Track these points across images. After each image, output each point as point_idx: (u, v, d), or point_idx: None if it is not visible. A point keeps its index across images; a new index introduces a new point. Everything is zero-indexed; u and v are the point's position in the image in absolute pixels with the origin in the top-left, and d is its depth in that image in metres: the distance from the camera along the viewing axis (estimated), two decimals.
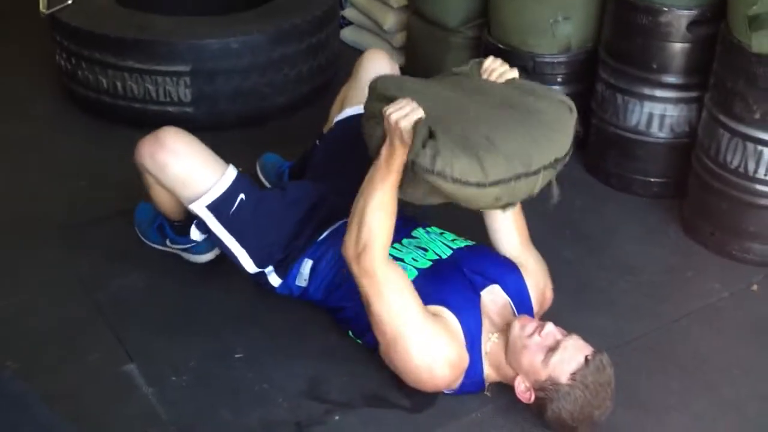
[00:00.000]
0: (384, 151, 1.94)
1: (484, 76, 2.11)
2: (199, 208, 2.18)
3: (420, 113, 1.88)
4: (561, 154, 1.95)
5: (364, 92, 2.45)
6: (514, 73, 2.10)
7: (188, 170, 2.18)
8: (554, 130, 1.96)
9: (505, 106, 1.98)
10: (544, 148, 1.92)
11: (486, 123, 1.91)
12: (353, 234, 1.98)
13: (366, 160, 2.08)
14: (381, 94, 2.03)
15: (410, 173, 1.92)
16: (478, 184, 1.84)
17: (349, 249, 1.99)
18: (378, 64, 2.54)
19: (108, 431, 1.99)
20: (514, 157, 1.86)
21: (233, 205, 2.18)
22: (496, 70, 2.10)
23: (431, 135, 1.85)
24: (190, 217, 2.35)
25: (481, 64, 2.13)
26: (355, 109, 2.48)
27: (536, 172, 1.90)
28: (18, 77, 3.52)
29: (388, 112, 1.90)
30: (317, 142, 2.64)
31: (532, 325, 1.99)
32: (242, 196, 2.19)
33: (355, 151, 2.21)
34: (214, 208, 2.18)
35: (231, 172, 2.21)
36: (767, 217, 2.53)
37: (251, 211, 2.21)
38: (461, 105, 1.98)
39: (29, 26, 3.66)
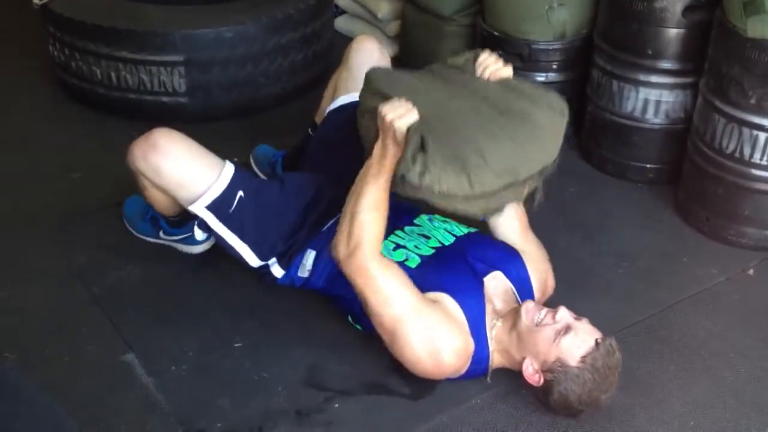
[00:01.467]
0: (376, 149, 1.95)
1: (478, 71, 2.10)
2: (199, 209, 2.16)
3: (414, 116, 1.89)
4: (549, 162, 1.98)
5: (355, 80, 2.46)
6: (509, 72, 2.09)
7: (183, 171, 2.15)
8: (544, 139, 1.98)
9: (498, 112, 1.98)
10: (533, 158, 1.95)
11: (477, 132, 1.92)
12: (344, 234, 1.98)
13: (362, 150, 2.09)
14: (376, 89, 2.03)
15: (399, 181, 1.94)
16: (465, 197, 1.88)
17: (340, 249, 1.99)
18: (368, 50, 2.53)
19: (108, 421, 1.99)
20: (502, 170, 1.89)
21: (233, 204, 2.17)
22: (490, 66, 2.09)
23: (422, 145, 1.86)
24: (186, 212, 2.34)
25: (476, 57, 2.12)
26: (348, 97, 2.48)
27: (523, 182, 1.94)
28: (11, 69, 3.51)
29: (383, 112, 1.90)
30: (309, 131, 2.63)
31: (544, 309, 2.00)
32: (241, 193, 2.17)
33: (350, 140, 2.21)
34: (214, 207, 2.16)
35: (228, 170, 2.18)
36: (763, 202, 2.54)
37: (251, 207, 2.19)
38: (454, 108, 1.98)
39: (22, 17, 3.64)
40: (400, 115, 1.89)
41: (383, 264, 1.99)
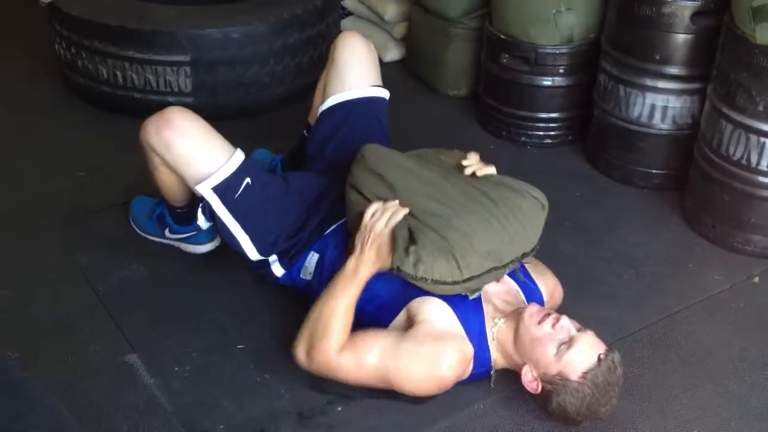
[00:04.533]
0: (350, 263, 2.02)
1: (466, 172, 2.15)
2: (205, 190, 2.16)
3: (400, 215, 2.00)
4: (528, 249, 2.07)
5: (343, 79, 2.46)
6: (492, 170, 2.16)
7: (194, 149, 2.17)
8: (526, 228, 2.07)
9: (488, 197, 2.06)
10: (516, 245, 2.05)
11: (466, 217, 2.01)
12: (306, 333, 2.02)
13: (358, 146, 2.17)
14: (369, 167, 2.12)
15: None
16: (454, 282, 1.98)
17: (300, 348, 2.03)
18: (353, 47, 2.50)
19: (110, 421, 1.99)
20: (488, 255, 2.00)
21: (239, 189, 2.17)
22: (475, 167, 2.15)
23: (411, 237, 1.96)
24: (193, 204, 2.34)
25: (461, 158, 2.18)
26: (338, 97, 2.46)
27: (505, 266, 2.03)
28: (17, 66, 3.51)
29: (368, 225, 2.00)
30: (305, 133, 2.63)
31: (544, 314, 1.98)
32: (248, 180, 2.18)
33: (345, 140, 2.21)
34: (220, 190, 2.16)
35: (239, 156, 2.19)
36: None
37: (256, 197, 2.20)
38: (446, 189, 2.07)
39: (28, 15, 3.64)
40: (385, 221, 1.99)
41: (344, 353, 1.99)
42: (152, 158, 2.24)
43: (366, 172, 2.13)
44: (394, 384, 2.01)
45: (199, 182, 2.17)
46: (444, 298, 2.05)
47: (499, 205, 2.05)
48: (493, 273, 2.02)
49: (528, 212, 2.08)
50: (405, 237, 1.97)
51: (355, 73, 2.48)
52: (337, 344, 1.99)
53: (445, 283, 1.97)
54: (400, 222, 1.99)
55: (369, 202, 2.07)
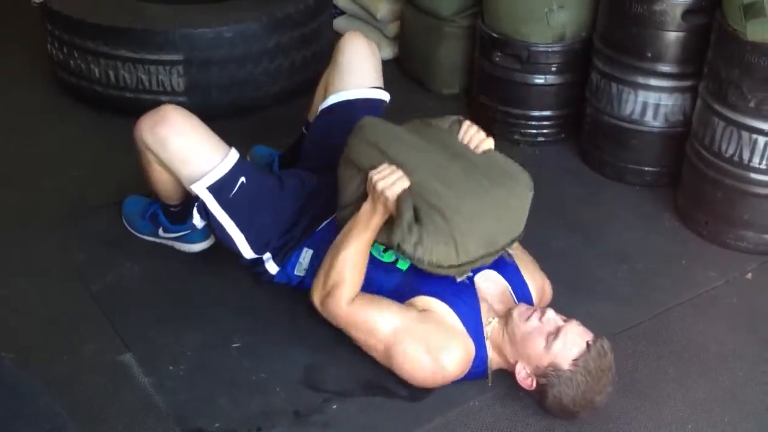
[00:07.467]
0: (365, 209, 2.03)
1: (464, 141, 2.15)
2: (200, 189, 2.16)
3: (405, 184, 1.98)
4: (517, 235, 2.11)
5: (344, 78, 2.48)
6: (490, 144, 2.16)
7: (189, 148, 2.17)
8: (518, 214, 2.10)
9: (489, 181, 2.07)
10: (508, 232, 2.08)
11: (469, 201, 2.01)
12: (320, 280, 2.08)
13: None
14: (369, 139, 2.11)
15: (386, 231, 2.05)
16: (449, 266, 2.01)
17: (315, 295, 2.09)
18: (356, 47, 2.52)
19: (106, 421, 1.99)
20: (484, 241, 2.03)
21: (234, 188, 2.17)
22: (474, 138, 2.15)
23: (416, 215, 1.96)
24: (186, 203, 2.34)
25: (459, 124, 2.18)
26: (339, 96, 2.48)
27: (497, 251, 2.07)
28: (9, 66, 3.50)
29: (373, 180, 1.99)
30: (304, 130, 2.63)
31: (531, 311, 2.01)
32: (243, 179, 2.18)
33: (343, 140, 2.20)
34: (215, 189, 2.17)
35: (233, 155, 2.20)
36: (762, 206, 2.54)
37: (251, 196, 2.20)
38: (448, 168, 2.06)
39: (20, 15, 3.63)
40: (391, 183, 1.98)
41: (356, 305, 2.05)
42: (146, 156, 2.23)
43: (364, 144, 2.11)
44: (393, 362, 2.03)
45: (193, 181, 2.16)
46: (441, 296, 2.06)
47: (498, 189, 2.06)
48: (484, 258, 2.05)
49: (520, 198, 2.10)
50: (410, 214, 1.97)
51: (357, 73, 2.49)
52: (349, 295, 2.04)
53: (440, 266, 1.99)
54: (406, 196, 1.97)
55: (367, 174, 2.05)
